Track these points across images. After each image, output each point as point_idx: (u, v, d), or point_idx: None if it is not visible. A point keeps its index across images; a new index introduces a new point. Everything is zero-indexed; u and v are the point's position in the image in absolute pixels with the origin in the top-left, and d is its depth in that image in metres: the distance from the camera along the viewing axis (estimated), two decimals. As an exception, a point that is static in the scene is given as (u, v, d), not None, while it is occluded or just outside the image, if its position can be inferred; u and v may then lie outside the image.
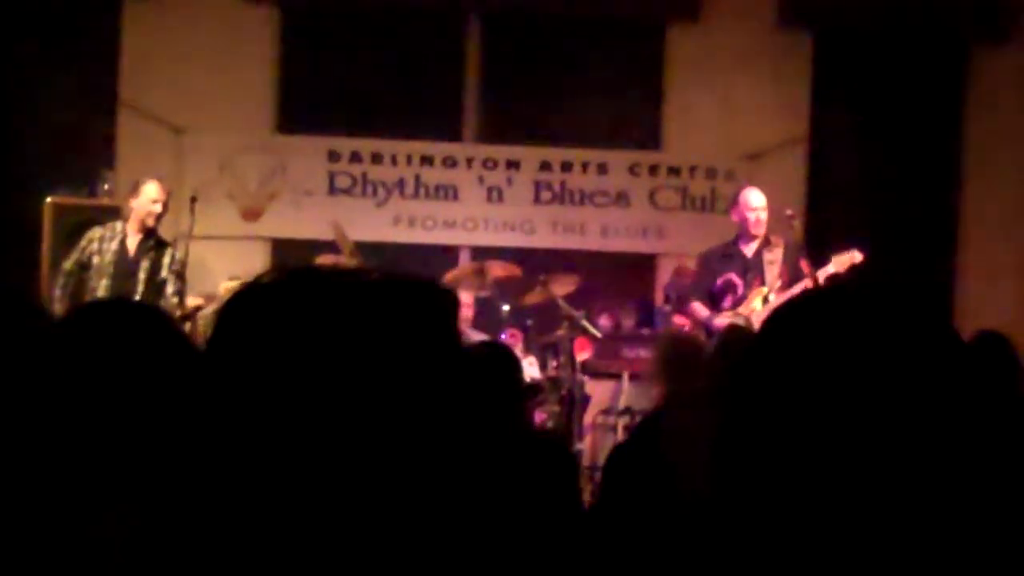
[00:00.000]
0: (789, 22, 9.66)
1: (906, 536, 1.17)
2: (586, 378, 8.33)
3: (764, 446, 1.22)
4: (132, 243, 7.47)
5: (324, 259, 7.99)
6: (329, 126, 9.71)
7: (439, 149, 9.71)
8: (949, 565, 1.18)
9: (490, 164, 9.69)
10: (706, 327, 7.37)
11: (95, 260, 7.40)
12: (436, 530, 1.11)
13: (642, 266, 9.86)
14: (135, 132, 9.48)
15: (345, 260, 7.91)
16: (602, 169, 9.72)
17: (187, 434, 1.18)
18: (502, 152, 9.74)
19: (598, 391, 8.41)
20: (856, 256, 7.39)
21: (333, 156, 9.64)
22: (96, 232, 7.52)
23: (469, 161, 9.70)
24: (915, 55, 9.86)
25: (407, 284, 1.16)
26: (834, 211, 9.75)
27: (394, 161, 9.67)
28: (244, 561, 1.07)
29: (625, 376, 8.15)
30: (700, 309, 7.53)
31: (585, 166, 9.73)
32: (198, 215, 7.80)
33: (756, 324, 6.45)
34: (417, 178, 9.67)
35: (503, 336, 8.14)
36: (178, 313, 7.13)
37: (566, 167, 9.72)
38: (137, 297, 7.11)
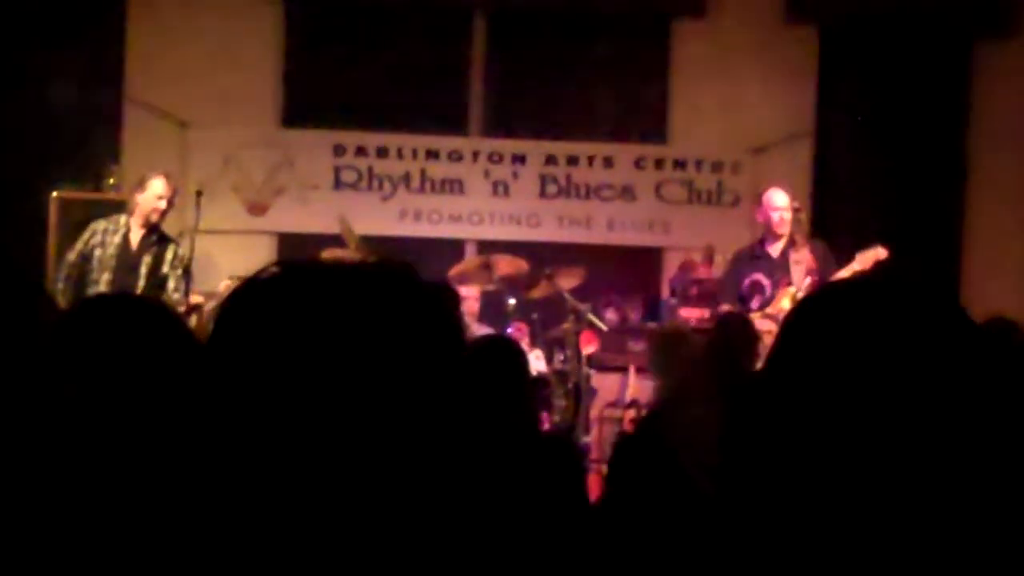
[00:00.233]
0: (795, 16, 9.64)
1: (922, 527, 1.17)
2: (592, 371, 8.34)
3: (795, 439, 1.22)
4: (135, 238, 7.46)
5: (330, 253, 7.99)
6: (334, 120, 9.70)
7: (445, 143, 9.70)
8: (964, 558, 1.17)
9: (496, 158, 9.68)
10: None
11: (97, 252, 7.39)
12: (440, 526, 1.10)
13: (648, 259, 9.85)
14: (141, 126, 9.48)
15: (351, 254, 7.91)
16: (608, 163, 9.71)
17: (189, 428, 1.18)
18: (508, 146, 9.73)
19: (604, 384, 8.42)
20: (881, 252, 7.38)
21: (339, 150, 9.63)
22: (100, 225, 7.51)
23: (475, 155, 9.69)
24: (921, 49, 9.85)
25: (406, 276, 1.16)
26: (839, 204, 9.74)
27: (400, 155, 9.66)
28: (244, 556, 1.07)
29: (631, 369, 8.16)
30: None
31: (591, 160, 9.71)
32: (204, 210, 7.80)
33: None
34: (423, 172, 9.66)
35: (509, 330, 8.14)
36: (182, 309, 7.12)
37: (572, 161, 9.70)
38: (139, 292, 7.10)
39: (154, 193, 7.46)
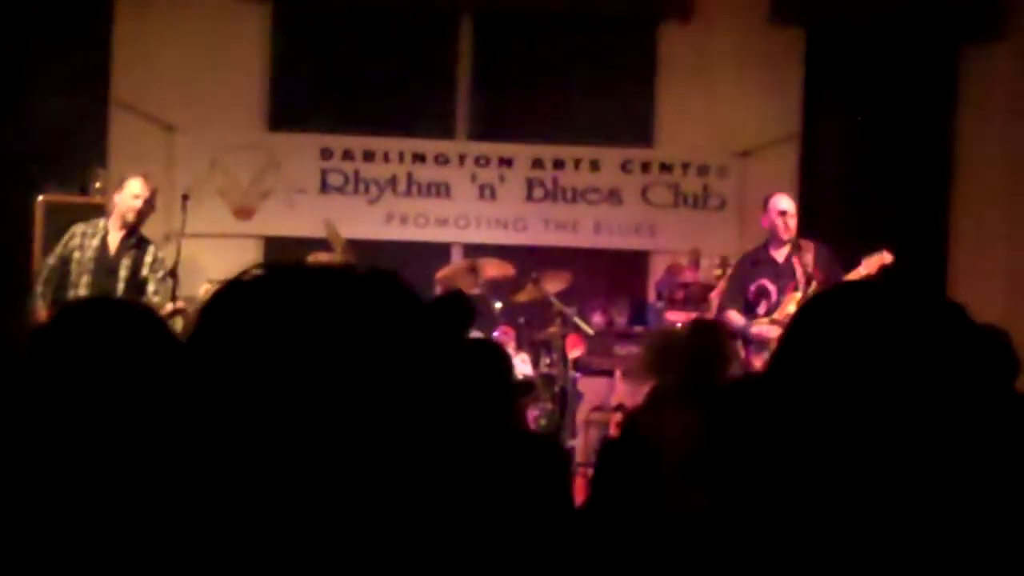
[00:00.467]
0: (781, 19, 9.66)
1: (922, 527, 1.17)
2: (578, 375, 8.36)
3: (798, 439, 1.22)
4: (113, 240, 7.43)
5: (317, 257, 7.98)
6: (321, 123, 9.69)
7: (431, 146, 9.70)
8: (959, 560, 1.18)
9: (482, 161, 9.69)
10: (743, 336, 7.34)
11: (76, 256, 7.37)
12: (425, 528, 1.10)
13: (634, 263, 9.85)
14: (127, 130, 9.46)
15: (337, 258, 7.91)
16: (594, 166, 9.72)
17: (172, 431, 1.18)
18: (494, 149, 9.73)
19: (590, 388, 8.43)
20: (886, 257, 7.38)
21: (325, 154, 9.62)
22: (79, 228, 7.48)
23: (461, 158, 9.69)
24: (907, 52, 9.87)
25: (391, 279, 1.16)
26: (826, 208, 9.75)
27: (386, 158, 9.65)
28: (230, 558, 1.07)
29: (617, 373, 8.18)
30: (736, 318, 7.48)
31: (577, 163, 9.72)
32: (190, 213, 7.79)
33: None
34: (409, 175, 9.66)
35: (495, 333, 8.14)
36: (164, 312, 7.08)
37: (558, 164, 9.71)
38: (118, 295, 7.07)
39: (130, 192, 7.43)
